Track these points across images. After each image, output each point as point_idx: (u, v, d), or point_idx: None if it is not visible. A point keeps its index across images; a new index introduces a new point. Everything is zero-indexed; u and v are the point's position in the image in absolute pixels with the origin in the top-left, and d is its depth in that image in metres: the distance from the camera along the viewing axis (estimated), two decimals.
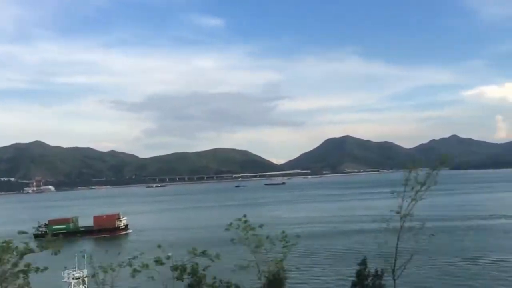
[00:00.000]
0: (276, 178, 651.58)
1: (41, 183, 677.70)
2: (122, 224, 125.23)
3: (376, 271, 24.58)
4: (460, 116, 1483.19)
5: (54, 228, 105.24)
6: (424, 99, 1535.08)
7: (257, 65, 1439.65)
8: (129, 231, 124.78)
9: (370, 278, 24.28)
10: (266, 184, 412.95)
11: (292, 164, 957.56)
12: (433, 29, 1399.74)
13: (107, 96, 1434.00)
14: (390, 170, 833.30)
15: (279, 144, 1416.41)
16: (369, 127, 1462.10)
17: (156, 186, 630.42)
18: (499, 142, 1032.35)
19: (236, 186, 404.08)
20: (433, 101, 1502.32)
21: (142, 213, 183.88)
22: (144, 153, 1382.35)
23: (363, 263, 25.13)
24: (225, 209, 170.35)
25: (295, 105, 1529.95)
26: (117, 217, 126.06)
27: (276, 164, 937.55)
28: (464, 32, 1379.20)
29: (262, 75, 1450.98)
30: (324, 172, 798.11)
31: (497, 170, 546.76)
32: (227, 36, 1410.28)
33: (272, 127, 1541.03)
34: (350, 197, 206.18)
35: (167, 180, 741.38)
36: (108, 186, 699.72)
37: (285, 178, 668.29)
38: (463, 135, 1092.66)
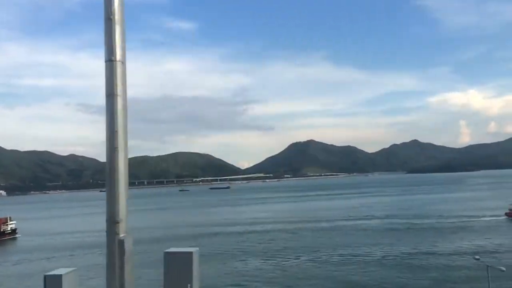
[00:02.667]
0: (237, 182, 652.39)
1: None
2: (8, 229, 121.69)
3: None
4: (424, 122, 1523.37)
5: None
6: (391, 104, 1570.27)
7: (228, 69, 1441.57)
8: (17, 235, 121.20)
9: None
10: (211, 188, 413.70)
11: (257, 168, 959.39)
12: (400, 37, 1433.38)
13: (74, 99, 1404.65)
14: (352, 174, 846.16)
15: (247, 148, 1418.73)
16: (335, 132, 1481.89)
17: None
18: (457, 147, 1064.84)
19: (180, 190, 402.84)
20: (399, 107, 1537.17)
21: (54, 217, 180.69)
22: (105, 157, 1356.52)
23: None
24: (142, 213, 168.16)
25: (264, 109, 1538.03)
26: (4, 222, 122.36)
27: (240, 168, 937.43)
28: (430, 40, 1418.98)
29: (232, 79, 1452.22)
30: (286, 176, 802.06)
31: (448, 174, 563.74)
32: (198, 40, 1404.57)
33: (241, 131, 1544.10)
34: (276, 200, 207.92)
35: None
36: (63, 191, 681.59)
37: (244, 181, 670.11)
38: (424, 140, 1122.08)
